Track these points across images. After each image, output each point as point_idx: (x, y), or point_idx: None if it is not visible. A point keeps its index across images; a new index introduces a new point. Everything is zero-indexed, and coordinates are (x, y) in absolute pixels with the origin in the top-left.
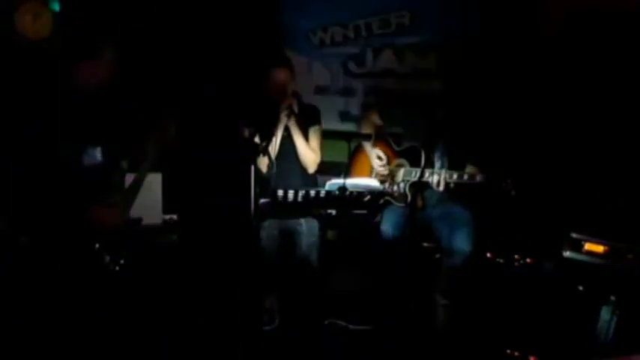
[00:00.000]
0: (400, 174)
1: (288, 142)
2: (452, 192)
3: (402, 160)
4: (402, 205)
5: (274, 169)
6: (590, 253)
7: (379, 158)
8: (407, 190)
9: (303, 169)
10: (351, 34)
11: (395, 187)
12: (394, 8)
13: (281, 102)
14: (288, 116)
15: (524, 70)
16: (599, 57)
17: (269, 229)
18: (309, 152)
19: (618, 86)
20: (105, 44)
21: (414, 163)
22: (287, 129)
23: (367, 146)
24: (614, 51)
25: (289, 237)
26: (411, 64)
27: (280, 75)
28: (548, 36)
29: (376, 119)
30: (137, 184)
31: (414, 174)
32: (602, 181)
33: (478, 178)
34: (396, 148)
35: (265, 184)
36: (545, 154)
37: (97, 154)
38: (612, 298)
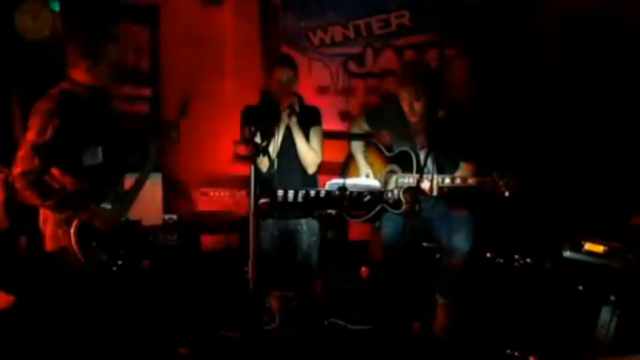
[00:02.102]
0: (392, 181)
1: (289, 141)
2: (447, 196)
3: (394, 167)
4: (398, 211)
5: (274, 169)
6: (590, 253)
7: (367, 177)
8: (401, 196)
9: (303, 168)
10: (351, 34)
11: (389, 195)
12: (394, 8)
13: (283, 101)
14: (290, 116)
15: (524, 69)
16: (599, 57)
17: (270, 229)
18: (309, 152)
19: (618, 85)
20: (106, 44)
21: (406, 168)
22: (288, 129)
23: (359, 159)
24: (615, 51)
25: (290, 237)
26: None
27: (284, 74)
28: (547, 35)
29: (363, 124)
30: (139, 184)
31: (407, 179)
32: (602, 181)
33: (470, 181)
34: (387, 154)
35: (265, 183)
36: (546, 154)
37: (98, 153)
38: (612, 298)
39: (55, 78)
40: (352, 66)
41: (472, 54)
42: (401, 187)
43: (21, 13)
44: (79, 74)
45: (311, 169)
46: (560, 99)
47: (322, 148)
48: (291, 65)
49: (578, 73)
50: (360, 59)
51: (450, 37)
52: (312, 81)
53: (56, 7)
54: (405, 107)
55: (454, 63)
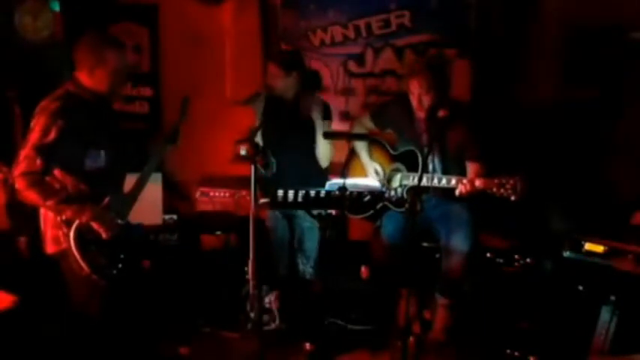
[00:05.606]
0: (397, 179)
1: (295, 135)
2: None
3: (399, 165)
4: (401, 210)
5: (274, 169)
6: (590, 253)
7: (376, 173)
8: (405, 194)
9: (315, 161)
10: (351, 34)
11: (392, 193)
12: (394, 8)
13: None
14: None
15: (524, 70)
16: (599, 58)
17: (282, 222)
18: (327, 145)
19: (617, 90)
20: (107, 50)
21: (411, 167)
22: (292, 124)
23: (364, 156)
24: (614, 53)
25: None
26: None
27: (270, 69)
28: (548, 35)
29: (368, 123)
30: (140, 186)
31: (411, 178)
32: (602, 181)
33: (477, 184)
34: (393, 152)
35: (266, 183)
36: (545, 154)
37: (101, 158)
38: (612, 298)
39: (54, 78)
40: (352, 66)
41: (472, 54)
42: (405, 186)
43: (21, 13)
44: (83, 77)
45: (325, 163)
46: (560, 98)
47: None
48: (277, 60)
49: (578, 74)
50: (360, 59)
51: (450, 37)
52: None
53: (56, 7)
54: (414, 101)
55: (454, 63)
